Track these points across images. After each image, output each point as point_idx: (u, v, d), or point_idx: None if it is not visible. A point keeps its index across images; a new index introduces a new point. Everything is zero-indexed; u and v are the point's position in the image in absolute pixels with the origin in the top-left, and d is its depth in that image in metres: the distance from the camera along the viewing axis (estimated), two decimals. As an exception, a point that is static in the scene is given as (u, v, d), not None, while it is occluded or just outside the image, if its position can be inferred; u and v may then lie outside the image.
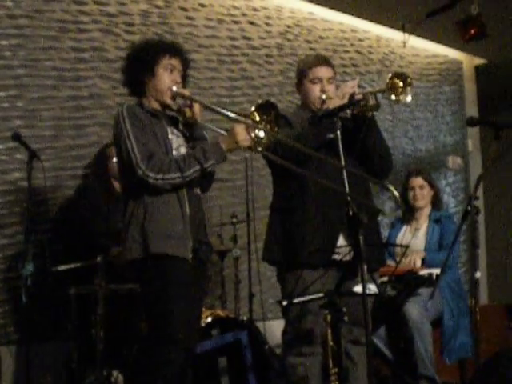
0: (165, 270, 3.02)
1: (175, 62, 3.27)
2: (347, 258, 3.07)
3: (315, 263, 3.34)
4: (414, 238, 4.83)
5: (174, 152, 3.19)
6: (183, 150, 3.25)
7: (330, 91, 3.52)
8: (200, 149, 3.09)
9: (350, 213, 2.81)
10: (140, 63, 3.22)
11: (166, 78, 3.23)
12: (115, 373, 3.84)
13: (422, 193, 4.90)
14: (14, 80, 4.65)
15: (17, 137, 4.00)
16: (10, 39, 4.66)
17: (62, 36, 4.89)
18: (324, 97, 3.50)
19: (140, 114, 3.17)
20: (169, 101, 3.26)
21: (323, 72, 3.57)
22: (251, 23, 6.05)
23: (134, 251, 3.07)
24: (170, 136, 3.22)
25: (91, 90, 4.99)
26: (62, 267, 4.05)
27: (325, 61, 3.64)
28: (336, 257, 3.28)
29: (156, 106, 3.28)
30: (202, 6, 5.72)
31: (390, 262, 4.64)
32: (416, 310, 4.31)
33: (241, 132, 3.05)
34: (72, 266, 4.03)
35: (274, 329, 5.55)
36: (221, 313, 4.22)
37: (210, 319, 4.00)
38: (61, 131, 4.82)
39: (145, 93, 3.28)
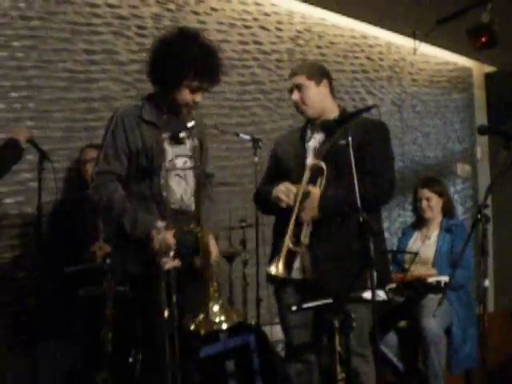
0: None
1: (204, 85, 3.26)
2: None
3: None
4: (424, 245, 4.81)
5: (168, 164, 3.20)
6: (181, 161, 3.26)
7: (300, 98, 3.54)
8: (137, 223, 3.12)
9: (360, 220, 2.81)
10: (170, 69, 3.18)
11: (187, 97, 3.24)
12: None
13: (429, 204, 4.87)
14: (25, 81, 4.67)
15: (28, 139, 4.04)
16: (22, 40, 4.68)
17: (74, 38, 4.91)
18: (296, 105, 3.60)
19: (131, 122, 3.20)
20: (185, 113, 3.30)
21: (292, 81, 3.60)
22: (262, 28, 6.06)
23: None
24: (166, 146, 3.21)
25: (102, 92, 5.01)
26: (71, 268, 4.06)
27: (291, 72, 3.65)
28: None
29: (166, 106, 3.29)
30: (214, 10, 5.73)
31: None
32: (433, 323, 4.30)
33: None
34: (81, 267, 4.04)
35: (281, 333, 5.56)
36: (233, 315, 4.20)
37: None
38: (72, 133, 4.83)
39: (162, 89, 3.28)
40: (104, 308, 3.82)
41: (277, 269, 3.19)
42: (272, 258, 3.48)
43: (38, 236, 4.16)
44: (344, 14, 6.56)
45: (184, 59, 3.15)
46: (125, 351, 3.79)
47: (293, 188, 3.38)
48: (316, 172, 3.39)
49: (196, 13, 5.61)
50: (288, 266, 3.29)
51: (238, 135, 4.82)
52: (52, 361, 4.39)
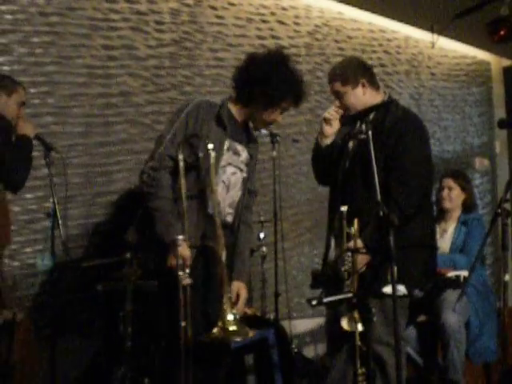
0: None
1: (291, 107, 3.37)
2: None
3: None
4: (442, 239, 4.80)
5: (220, 170, 3.23)
6: (230, 170, 3.28)
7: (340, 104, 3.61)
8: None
9: (381, 213, 2.80)
10: (274, 91, 3.24)
11: (275, 117, 3.35)
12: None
13: (450, 194, 4.86)
14: (45, 77, 4.70)
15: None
16: (41, 36, 4.70)
17: (93, 34, 4.93)
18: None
19: (205, 115, 3.25)
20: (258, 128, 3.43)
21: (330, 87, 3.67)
22: (280, 22, 6.05)
23: None
24: (224, 150, 3.28)
25: (121, 87, 5.02)
26: (90, 263, 4.08)
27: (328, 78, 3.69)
28: None
29: (241, 117, 3.34)
30: (232, 4, 5.73)
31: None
32: (454, 317, 4.29)
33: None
34: (99, 261, 4.06)
35: (299, 328, 5.57)
36: (248, 310, 4.22)
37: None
38: (90, 128, 4.85)
39: (248, 104, 3.32)
40: (124, 303, 3.84)
41: (351, 326, 3.16)
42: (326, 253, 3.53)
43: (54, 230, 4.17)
44: (362, 8, 6.54)
45: (288, 83, 3.26)
46: (145, 347, 3.80)
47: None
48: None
49: (214, 7, 5.61)
50: None
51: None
52: (71, 356, 4.42)
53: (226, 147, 3.31)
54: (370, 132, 3.12)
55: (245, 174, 3.40)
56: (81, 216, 4.80)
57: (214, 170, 3.12)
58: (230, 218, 3.39)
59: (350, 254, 3.27)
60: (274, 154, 4.80)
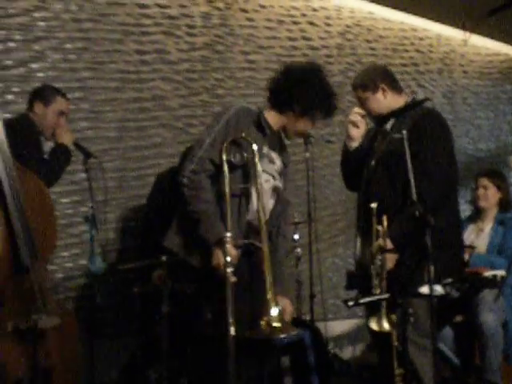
0: None
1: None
2: None
3: None
4: (478, 238, 4.75)
5: (270, 183, 3.29)
6: (264, 177, 3.30)
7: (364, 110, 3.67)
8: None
9: (417, 214, 2.79)
10: (304, 100, 3.27)
11: (307, 128, 3.38)
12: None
13: (485, 193, 4.81)
14: (79, 82, 4.76)
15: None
16: (75, 42, 4.77)
17: (126, 39, 4.98)
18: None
19: (245, 120, 3.26)
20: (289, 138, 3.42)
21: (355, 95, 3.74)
22: (311, 24, 6.04)
23: None
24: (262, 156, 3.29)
25: (154, 91, 5.07)
26: (126, 266, 4.12)
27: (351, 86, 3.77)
28: None
29: (276, 125, 3.36)
30: (262, 7, 5.74)
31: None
32: (491, 317, 4.25)
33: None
34: (135, 264, 4.09)
35: (335, 329, 5.56)
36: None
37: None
38: (124, 132, 4.91)
39: (282, 112, 3.34)
40: (160, 305, 3.86)
41: (379, 326, 3.15)
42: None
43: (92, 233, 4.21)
44: (393, 8, 6.50)
45: (323, 94, 3.29)
46: (181, 348, 3.82)
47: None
48: None
49: (244, 10, 5.62)
50: None
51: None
52: (109, 358, 4.46)
53: (264, 153, 3.32)
54: (404, 131, 3.13)
55: (277, 183, 3.41)
56: (116, 219, 4.86)
57: (256, 171, 3.15)
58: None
59: (378, 252, 3.27)
60: (308, 155, 4.81)
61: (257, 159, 3.16)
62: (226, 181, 3.12)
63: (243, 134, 3.21)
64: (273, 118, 3.36)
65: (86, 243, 4.44)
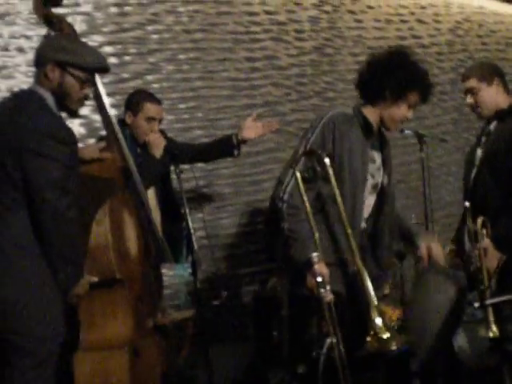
0: None
1: (419, 101, 3.28)
2: None
3: None
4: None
5: (368, 182, 3.24)
6: (371, 180, 3.27)
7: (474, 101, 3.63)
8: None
9: None
10: (398, 82, 3.18)
11: (404, 113, 3.24)
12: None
13: None
14: (192, 92, 4.86)
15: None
16: (187, 53, 4.87)
17: (236, 47, 5.05)
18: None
19: (343, 127, 3.18)
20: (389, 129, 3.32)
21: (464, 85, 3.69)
22: (420, 21, 5.96)
23: None
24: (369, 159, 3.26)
25: (265, 97, 5.12)
26: (242, 270, 4.18)
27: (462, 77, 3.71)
28: None
29: (375, 121, 3.29)
30: (370, 7, 5.70)
31: None
32: None
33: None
34: (252, 269, 4.14)
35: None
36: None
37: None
38: (237, 139, 4.96)
39: (376, 104, 3.31)
40: (279, 309, 3.89)
41: (493, 332, 3.08)
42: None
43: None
44: (503, 1, 6.33)
45: (412, 74, 3.19)
46: (303, 351, 3.83)
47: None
48: None
49: (352, 12, 5.60)
50: None
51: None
52: (226, 361, 4.50)
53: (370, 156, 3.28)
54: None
55: (377, 179, 3.36)
56: (231, 225, 4.92)
57: (335, 181, 3.09)
58: (364, 224, 3.35)
59: (476, 252, 3.18)
60: (422, 155, 4.71)
61: (331, 172, 3.10)
62: (304, 198, 3.07)
63: (343, 144, 3.16)
64: (369, 112, 3.29)
65: (199, 250, 4.49)
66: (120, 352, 2.95)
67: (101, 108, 3.20)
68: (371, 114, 3.28)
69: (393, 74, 3.17)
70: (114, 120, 3.24)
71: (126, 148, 3.24)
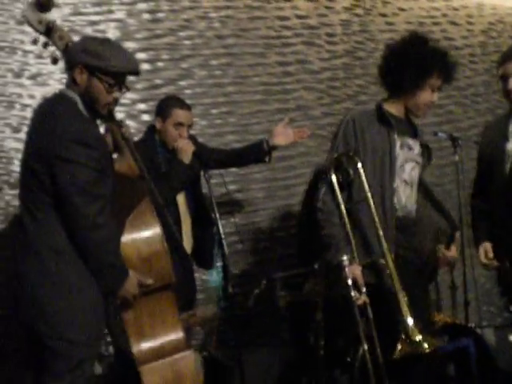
0: None
1: (442, 83, 3.28)
2: None
3: None
4: None
5: (399, 170, 3.21)
6: (409, 167, 3.25)
7: None
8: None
9: None
10: (416, 69, 3.20)
11: (429, 98, 3.25)
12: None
13: None
14: (225, 97, 4.89)
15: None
16: (219, 58, 4.90)
17: (268, 52, 5.06)
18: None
19: (362, 124, 3.22)
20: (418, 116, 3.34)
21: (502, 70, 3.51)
22: (452, 23, 5.90)
23: None
24: (397, 149, 3.24)
25: (297, 101, 5.12)
26: (278, 274, 4.17)
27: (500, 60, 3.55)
28: None
29: (400, 112, 3.31)
30: (402, 10, 5.66)
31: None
32: None
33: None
34: (287, 273, 4.13)
35: (488, 337, 5.36)
36: (448, 319, 4.12)
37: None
38: (270, 143, 4.96)
39: (398, 95, 3.30)
40: (314, 314, 3.86)
41: None
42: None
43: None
44: (537, 1, 6.25)
45: (428, 59, 3.20)
46: (338, 355, 3.81)
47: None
48: None
49: (384, 15, 5.57)
50: None
51: (436, 134, 4.72)
52: (259, 368, 4.49)
53: (398, 146, 3.27)
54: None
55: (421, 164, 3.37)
56: (264, 230, 4.92)
57: (365, 183, 3.09)
58: (413, 213, 3.37)
59: None
60: (457, 158, 4.68)
61: (362, 172, 3.10)
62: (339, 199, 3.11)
63: (365, 141, 3.19)
64: (394, 105, 3.30)
65: (232, 254, 4.51)
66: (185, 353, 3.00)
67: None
68: (395, 105, 3.29)
69: (407, 64, 3.19)
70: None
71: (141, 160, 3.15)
